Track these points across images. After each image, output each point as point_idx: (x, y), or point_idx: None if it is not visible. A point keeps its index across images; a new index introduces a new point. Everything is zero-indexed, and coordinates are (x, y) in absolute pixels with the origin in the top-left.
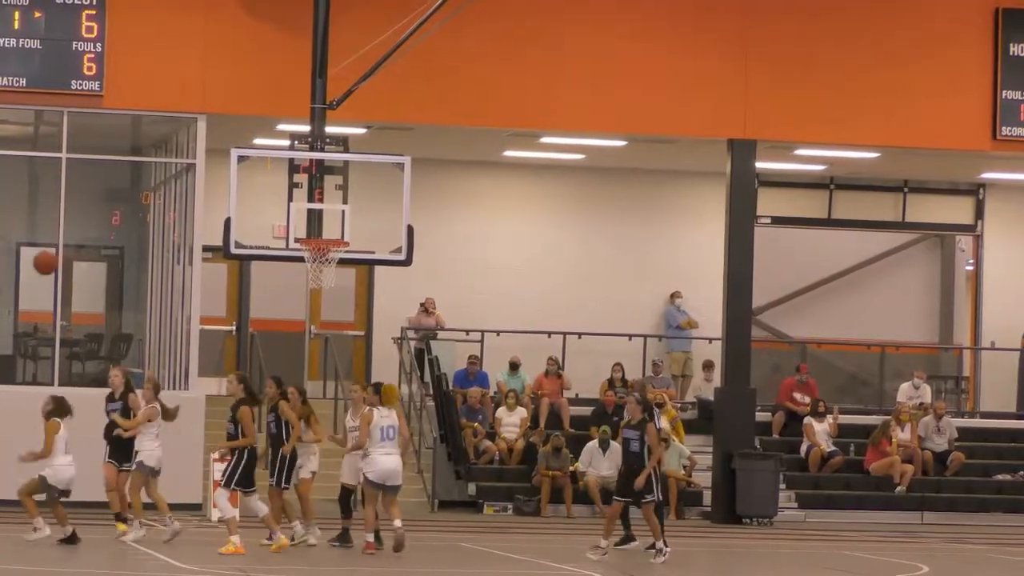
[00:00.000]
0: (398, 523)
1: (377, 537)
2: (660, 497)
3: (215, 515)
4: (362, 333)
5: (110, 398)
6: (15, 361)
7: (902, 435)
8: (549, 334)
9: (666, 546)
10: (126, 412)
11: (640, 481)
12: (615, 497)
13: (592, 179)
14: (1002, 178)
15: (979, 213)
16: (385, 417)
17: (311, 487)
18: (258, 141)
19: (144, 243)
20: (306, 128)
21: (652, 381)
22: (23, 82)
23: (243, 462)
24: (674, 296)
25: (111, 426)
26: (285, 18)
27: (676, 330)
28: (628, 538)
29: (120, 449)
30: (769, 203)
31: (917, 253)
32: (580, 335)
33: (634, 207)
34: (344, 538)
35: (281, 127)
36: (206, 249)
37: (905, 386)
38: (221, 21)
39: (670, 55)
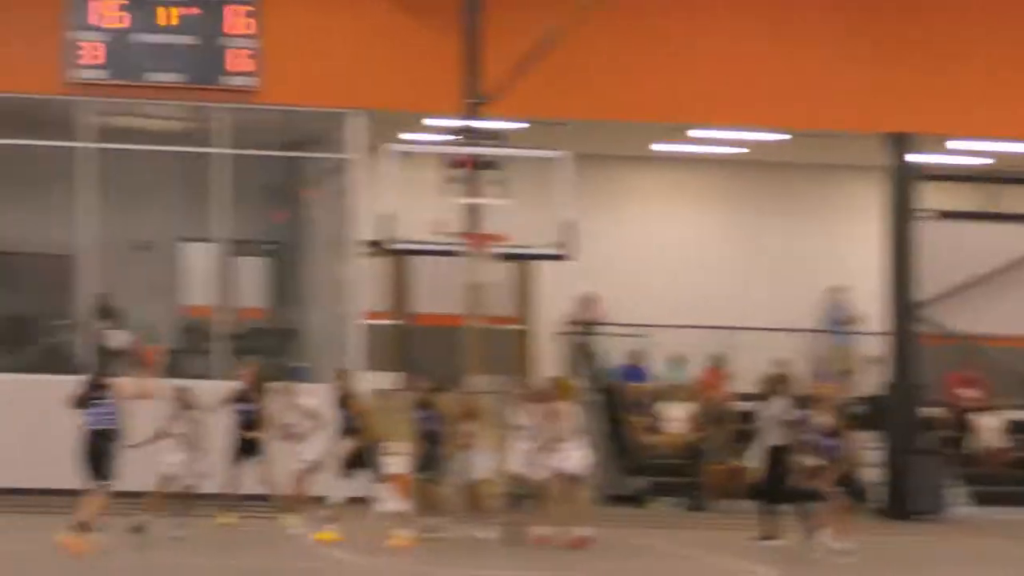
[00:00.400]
0: (589, 531)
1: None
2: None
3: (384, 508)
4: (523, 327)
5: (417, 405)
6: (179, 355)
7: None
8: (712, 329)
9: (833, 542)
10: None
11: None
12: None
13: (754, 174)
14: None
15: None
16: (571, 412)
17: (490, 486)
18: (413, 136)
19: (304, 238)
20: (458, 123)
21: (817, 376)
22: (180, 78)
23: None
24: (836, 291)
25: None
26: (439, 13)
27: (839, 325)
28: (771, 535)
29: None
30: (936, 197)
31: None
32: (743, 330)
33: (796, 201)
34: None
35: (435, 122)
36: (366, 244)
37: None
38: (374, 17)
39: (825, 47)
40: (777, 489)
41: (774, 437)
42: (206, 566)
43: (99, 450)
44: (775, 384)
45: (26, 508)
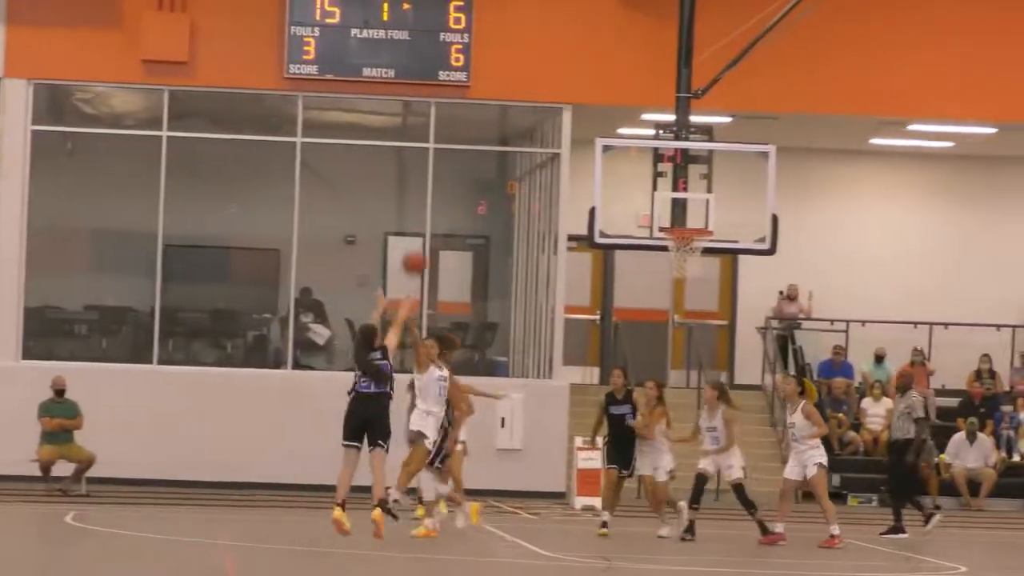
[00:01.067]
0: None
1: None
2: None
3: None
4: (726, 322)
5: (612, 399)
6: None
7: None
8: (915, 324)
9: None
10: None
11: None
12: None
13: (960, 167)
14: None
15: None
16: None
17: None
18: (622, 131)
19: (509, 232)
20: (671, 117)
21: (1020, 373)
22: (392, 73)
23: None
24: None
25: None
26: (651, 7)
27: None
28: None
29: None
30: None
31: None
32: (947, 325)
33: (1003, 196)
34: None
35: (646, 116)
36: (570, 238)
37: None
38: (588, 11)
39: None
40: (900, 483)
41: (899, 431)
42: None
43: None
44: (907, 380)
45: (240, 501)
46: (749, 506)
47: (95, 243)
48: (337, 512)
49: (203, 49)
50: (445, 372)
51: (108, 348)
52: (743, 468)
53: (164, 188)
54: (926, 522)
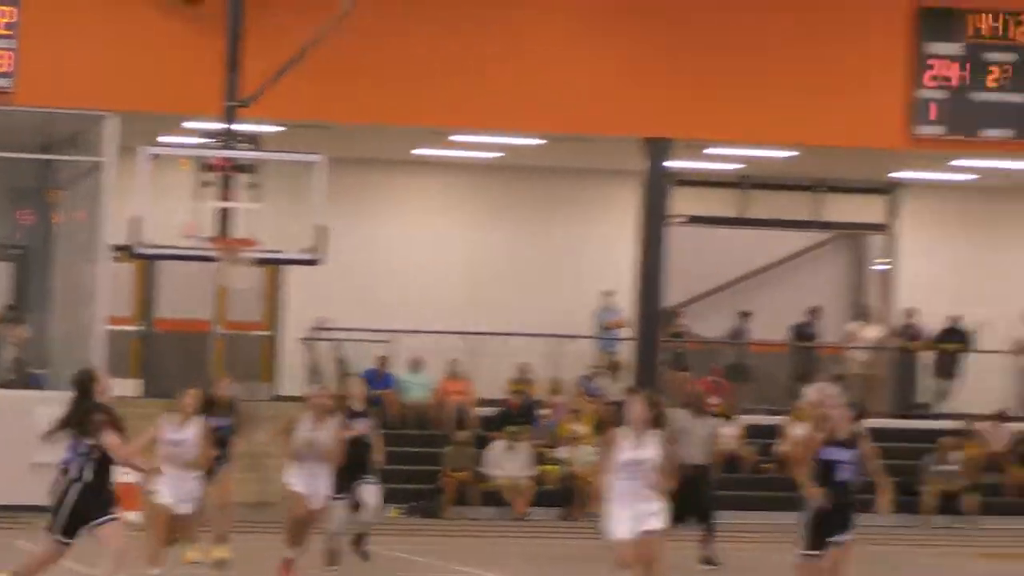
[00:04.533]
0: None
1: None
2: None
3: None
4: (269, 333)
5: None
6: None
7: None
8: (459, 334)
9: None
10: None
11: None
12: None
13: (511, 178)
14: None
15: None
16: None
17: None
18: (166, 139)
19: (51, 242)
20: (220, 126)
21: (584, 385)
22: None
23: None
24: (606, 295)
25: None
26: (200, 15)
27: (605, 330)
28: None
29: None
30: (685, 202)
31: (829, 252)
32: (491, 335)
33: (552, 205)
34: None
35: (189, 124)
36: (116, 248)
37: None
38: (134, 17)
39: (588, 54)
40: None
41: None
42: None
43: None
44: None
45: None
46: None
47: None
48: None
49: None
50: None
51: None
52: None
53: None
54: None
